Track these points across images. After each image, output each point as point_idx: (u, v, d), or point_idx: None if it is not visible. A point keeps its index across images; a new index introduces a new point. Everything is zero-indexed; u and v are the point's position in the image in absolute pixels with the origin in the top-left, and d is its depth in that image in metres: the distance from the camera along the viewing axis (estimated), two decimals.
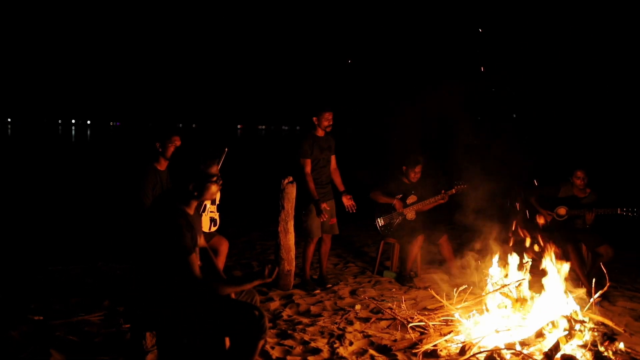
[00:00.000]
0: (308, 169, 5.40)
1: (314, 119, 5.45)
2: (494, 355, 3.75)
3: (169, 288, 2.89)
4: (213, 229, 5.05)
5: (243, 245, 7.51)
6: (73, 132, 67.13)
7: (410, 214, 6.04)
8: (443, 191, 6.02)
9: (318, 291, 5.48)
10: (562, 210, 5.91)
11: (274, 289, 5.48)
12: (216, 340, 3.01)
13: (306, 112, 5.66)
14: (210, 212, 5.02)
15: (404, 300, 5.16)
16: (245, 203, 10.56)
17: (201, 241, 3.28)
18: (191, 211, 3.06)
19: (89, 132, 70.50)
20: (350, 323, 4.60)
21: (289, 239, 5.43)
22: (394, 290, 5.60)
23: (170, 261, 2.86)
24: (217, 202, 5.10)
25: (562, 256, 4.60)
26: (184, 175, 3.01)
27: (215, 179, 3.08)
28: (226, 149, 5.05)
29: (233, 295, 3.24)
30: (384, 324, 4.59)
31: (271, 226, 6.28)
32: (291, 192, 5.38)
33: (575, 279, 5.49)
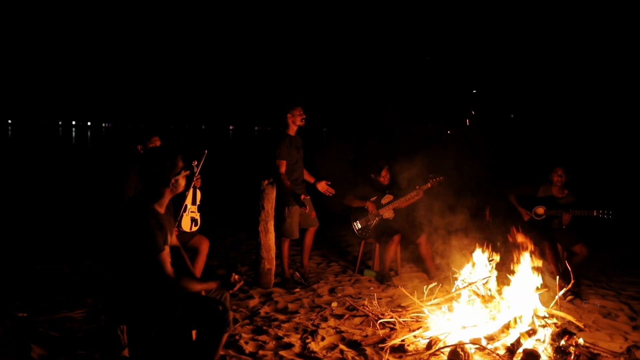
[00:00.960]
0: (283, 169, 5.54)
1: (288, 115, 5.61)
2: (458, 349, 3.90)
3: (141, 284, 3.04)
4: (194, 228, 5.20)
5: (230, 245, 7.66)
6: (73, 133, 67.31)
7: (388, 213, 6.18)
8: (417, 187, 6.16)
9: (298, 289, 5.63)
10: (540, 210, 6.05)
11: (255, 287, 5.63)
12: (183, 333, 3.15)
13: (279, 111, 5.81)
14: (191, 212, 5.17)
15: (381, 298, 5.34)
16: (235, 203, 10.71)
17: (173, 239, 3.43)
18: (162, 210, 3.20)
19: (89, 133, 70.73)
20: (325, 320, 4.74)
21: (269, 238, 5.58)
22: (372, 288, 5.75)
23: (141, 259, 3.01)
24: (198, 202, 5.25)
25: (534, 253, 4.74)
26: (153, 173, 3.14)
27: (182, 171, 3.20)
28: (206, 151, 5.20)
29: (203, 293, 3.39)
30: (357, 320, 4.74)
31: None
32: (271, 192, 5.53)
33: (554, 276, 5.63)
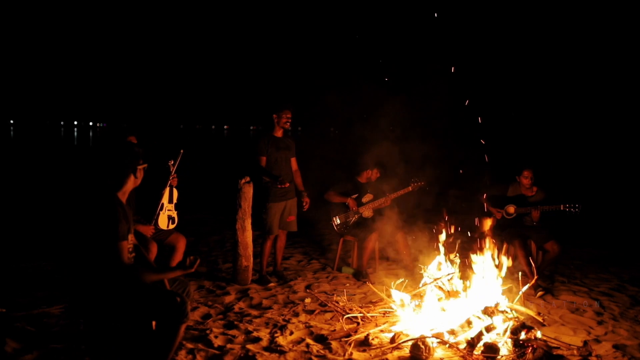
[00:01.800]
0: (262, 164, 5.68)
1: (274, 116, 5.73)
2: (419, 343, 4.01)
3: (99, 274, 3.16)
4: (171, 226, 5.33)
5: (214, 243, 7.78)
6: (75, 133, 67.43)
7: (367, 212, 6.30)
8: (398, 190, 6.29)
9: (273, 285, 5.74)
10: (510, 209, 6.17)
11: (233, 283, 5.75)
12: (142, 323, 3.27)
13: (267, 111, 5.95)
14: (168, 210, 5.30)
15: (355, 295, 5.46)
16: (223, 202, 10.82)
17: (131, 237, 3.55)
18: (124, 199, 3.34)
19: (91, 133, 70.80)
20: (297, 315, 4.86)
21: (246, 236, 5.70)
22: (348, 285, 5.86)
23: (101, 247, 3.12)
24: (175, 200, 5.38)
25: (499, 249, 4.85)
26: (117, 164, 3.29)
27: (142, 162, 3.35)
28: (182, 151, 5.33)
29: (168, 286, 3.52)
30: (328, 316, 4.85)
31: None
32: (248, 191, 5.65)
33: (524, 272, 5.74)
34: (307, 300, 5.26)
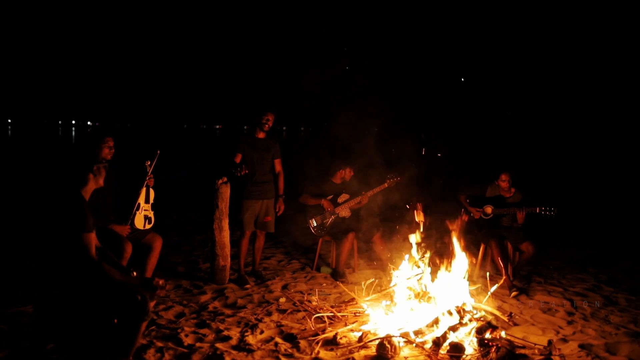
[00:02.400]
0: (236, 159, 5.79)
1: (256, 119, 5.80)
2: (384, 342, 4.06)
3: (66, 268, 3.22)
4: (148, 226, 5.37)
5: (198, 242, 7.82)
6: (73, 133, 67.41)
7: (344, 212, 6.35)
8: (374, 187, 6.35)
9: (249, 285, 5.79)
10: (488, 209, 6.22)
11: (210, 283, 5.81)
12: (105, 320, 3.32)
13: (251, 113, 6.01)
14: (145, 210, 5.34)
15: (331, 294, 5.52)
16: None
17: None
18: (87, 197, 3.41)
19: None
20: (269, 314, 4.92)
21: (224, 236, 5.75)
22: (324, 285, 5.92)
23: (68, 238, 3.19)
24: (152, 201, 5.42)
25: (468, 249, 4.92)
26: (82, 163, 3.36)
27: (105, 163, 3.45)
28: (158, 152, 5.38)
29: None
30: (300, 315, 4.90)
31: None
32: (225, 192, 5.70)
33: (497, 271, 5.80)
34: (282, 299, 5.31)
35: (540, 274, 6.60)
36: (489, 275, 5.22)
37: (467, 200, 6.34)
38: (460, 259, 4.70)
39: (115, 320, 3.36)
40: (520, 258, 6.11)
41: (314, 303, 5.10)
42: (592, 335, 4.67)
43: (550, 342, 4.21)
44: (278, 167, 6.06)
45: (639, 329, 4.85)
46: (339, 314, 4.69)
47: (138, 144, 27.69)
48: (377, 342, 4.13)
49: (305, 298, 5.22)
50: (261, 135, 5.92)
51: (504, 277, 5.03)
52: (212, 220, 5.73)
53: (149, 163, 5.36)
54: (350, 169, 6.45)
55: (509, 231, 6.14)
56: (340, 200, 6.36)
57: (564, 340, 4.54)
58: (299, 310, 4.99)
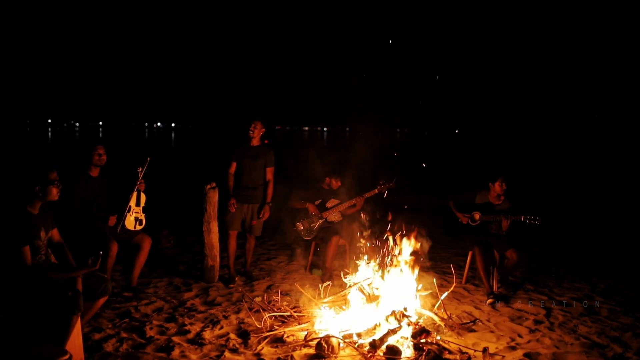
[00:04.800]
0: (230, 170, 6.23)
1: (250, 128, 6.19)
2: (322, 342, 4.28)
3: (6, 273, 3.69)
4: (138, 227, 5.84)
5: (191, 243, 8.14)
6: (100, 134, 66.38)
7: (333, 216, 6.57)
8: (364, 193, 6.53)
9: (234, 285, 6.14)
10: (476, 215, 6.25)
11: (200, 281, 6.21)
12: (43, 314, 3.76)
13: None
14: (135, 212, 5.82)
15: (303, 295, 5.76)
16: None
17: (55, 236, 4.07)
18: (35, 211, 3.85)
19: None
20: (237, 312, 5.24)
21: (212, 237, 6.14)
22: (307, 286, 6.15)
23: (7, 252, 3.66)
24: (143, 204, 5.89)
25: (419, 254, 5.04)
26: (30, 179, 3.81)
27: (56, 183, 3.85)
28: (148, 159, 5.84)
29: (80, 284, 3.97)
30: (266, 314, 5.17)
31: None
32: (213, 196, 6.09)
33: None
34: (258, 299, 5.61)
35: (533, 280, 6.55)
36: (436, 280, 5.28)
37: (455, 206, 6.40)
38: (412, 263, 4.83)
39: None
40: (505, 265, 6.11)
41: (285, 303, 5.36)
42: (546, 345, 4.67)
43: (485, 349, 4.28)
44: (269, 175, 6.34)
45: (600, 340, 4.79)
46: (295, 314, 4.94)
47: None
48: (315, 340, 4.36)
49: (271, 298, 5.46)
50: (254, 142, 6.26)
51: (454, 284, 5.08)
52: (202, 222, 6.13)
53: (140, 169, 5.82)
54: (337, 178, 6.65)
55: (494, 238, 6.15)
56: (328, 205, 6.59)
57: (513, 347, 4.57)
58: (265, 310, 5.26)
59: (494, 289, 5.91)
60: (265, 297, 5.55)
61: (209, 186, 6.10)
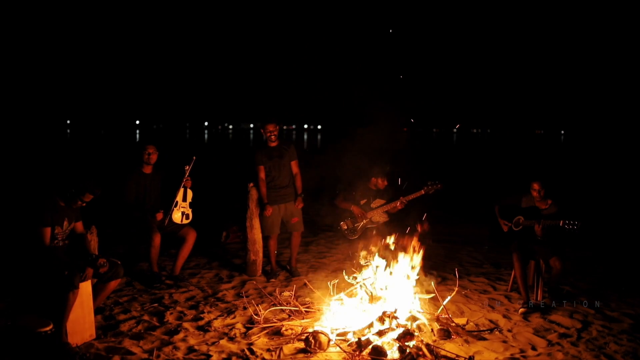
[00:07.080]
0: (261, 175, 6.34)
1: (262, 130, 6.36)
2: (310, 337, 4.38)
3: (24, 257, 4.27)
4: (185, 221, 6.31)
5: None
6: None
7: (378, 217, 6.56)
8: (410, 194, 6.45)
9: (274, 279, 6.37)
10: (520, 220, 5.91)
11: (243, 274, 6.54)
12: (46, 291, 4.28)
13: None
14: (182, 207, 6.29)
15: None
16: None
17: (78, 228, 4.62)
18: (62, 203, 4.44)
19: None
20: (259, 305, 5.46)
21: (254, 233, 6.44)
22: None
23: (28, 229, 4.25)
24: (189, 200, 6.35)
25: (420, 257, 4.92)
26: (75, 182, 4.41)
27: (84, 202, 4.45)
28: (194, 157, 6.28)
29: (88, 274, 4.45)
30: (268, 307, 5.29)
31: None
32: (254, 194, 6.39)
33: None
34: (285, 293, 5.78)
35: (594, 293, 6.01)
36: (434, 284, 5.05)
37: (500, 211, 6.08)
38: (412, 266, 4.74)
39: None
40: (552, 274, 5.70)
41: (307, 298, 5.49)
42: None
43: (471, 357, 4.10)
44: (295, 168, 6.45)
45: None
46: (303, 309, 5.07)
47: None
48: (305, 335, 4.46)
49: (298, 294, 5.58)
50: (273, 144, 6.39)
51: (456, 290, 4.83)
52: (245, 219, 6.45)
53: (187, 167, 6.29)
54: (383, 178, 6.62)
55: (539, 245, 5.76)
56: (373, 205, 6.60)
57: (513, 359, 4.31)
58: (279, 305, 5.37)
59: (538, 298, 5.56)
60: (294, 292, 5.70)
61: (251, 184, 6.40)
